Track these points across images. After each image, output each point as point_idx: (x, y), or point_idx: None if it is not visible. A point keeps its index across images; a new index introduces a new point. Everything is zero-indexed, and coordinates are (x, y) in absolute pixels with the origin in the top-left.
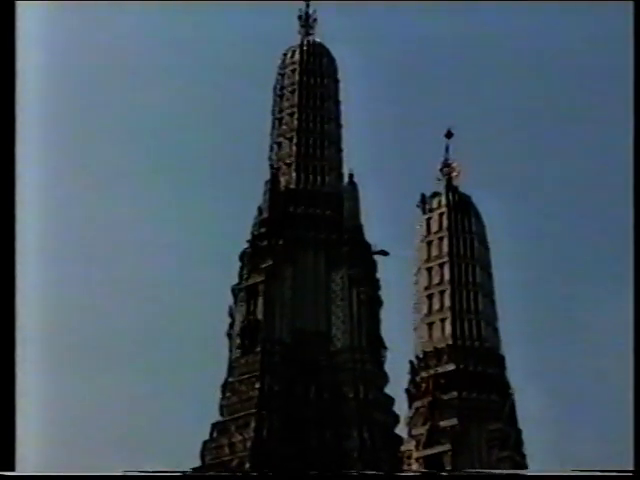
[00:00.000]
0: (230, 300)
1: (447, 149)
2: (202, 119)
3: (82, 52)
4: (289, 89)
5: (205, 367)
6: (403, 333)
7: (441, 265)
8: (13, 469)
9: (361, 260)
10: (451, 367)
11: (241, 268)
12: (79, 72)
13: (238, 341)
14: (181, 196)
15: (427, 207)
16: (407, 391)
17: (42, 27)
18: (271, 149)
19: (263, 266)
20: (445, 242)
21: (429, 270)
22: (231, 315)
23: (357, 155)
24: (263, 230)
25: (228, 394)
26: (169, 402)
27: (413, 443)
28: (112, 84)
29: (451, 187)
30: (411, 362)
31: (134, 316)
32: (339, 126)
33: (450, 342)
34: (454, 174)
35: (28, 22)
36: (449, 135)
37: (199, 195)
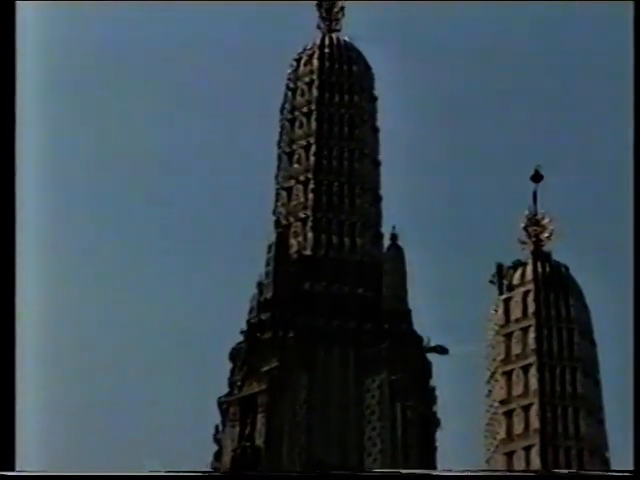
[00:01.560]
0: (216, 418)
1: (534, 198)
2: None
3: (83, 52)
4: (303, 110)
5: None
6: (469, 467)
7: (525, 368)
8: (13, 469)
9: (408, 361)
10: None
11: (232, 372)
12: (79, 72)
13: None
14: (147, 265)
15: (505, 283)
16: None
17: (42, 27)
18: (277, 197)
19: (265, 369)
20: (531, 334)
21: (508, 375)
22: (217, 440)
23: (402, 207)
24: (265, 317)
25: None
26: None
27: None
28: (112, 85)
29: (540, 254)
30: None
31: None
32: (376, 164)
33: None
34: (545, 234)
35: (28, 22)
36: (537, 178)
37: (171, 265)
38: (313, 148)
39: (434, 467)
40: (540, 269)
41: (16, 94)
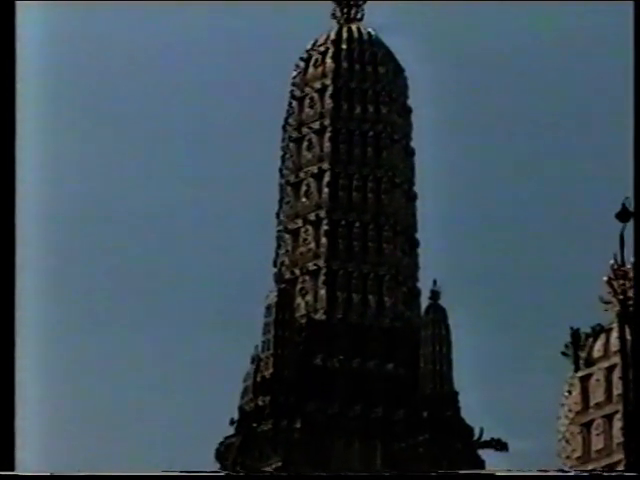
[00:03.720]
0: None
1: (622, 242)
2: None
3: (83, 53)
4: (314, 126)
5: None
6: None
7: (611, 468)
8: (13, 469)
9: (454, 459)
10: None
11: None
12: (80, 73)
13: None
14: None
15: (583, 356)
16: None
17: (42, 27)
18: (279, 243)
19: (266, 471)
20: (617, 424)
21: None
22: None
23: (446, 255)
24: (263, 402)
25: None
26: None
27: None
28: (113, 85)
29: (630, 316)
30: None
31: None
32: (411, 198)
33: None
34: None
35: (28, 22)
36: (625, 215)
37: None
38: (327, 177)
39: None
40: (629, 337)
41: (16, 94)
